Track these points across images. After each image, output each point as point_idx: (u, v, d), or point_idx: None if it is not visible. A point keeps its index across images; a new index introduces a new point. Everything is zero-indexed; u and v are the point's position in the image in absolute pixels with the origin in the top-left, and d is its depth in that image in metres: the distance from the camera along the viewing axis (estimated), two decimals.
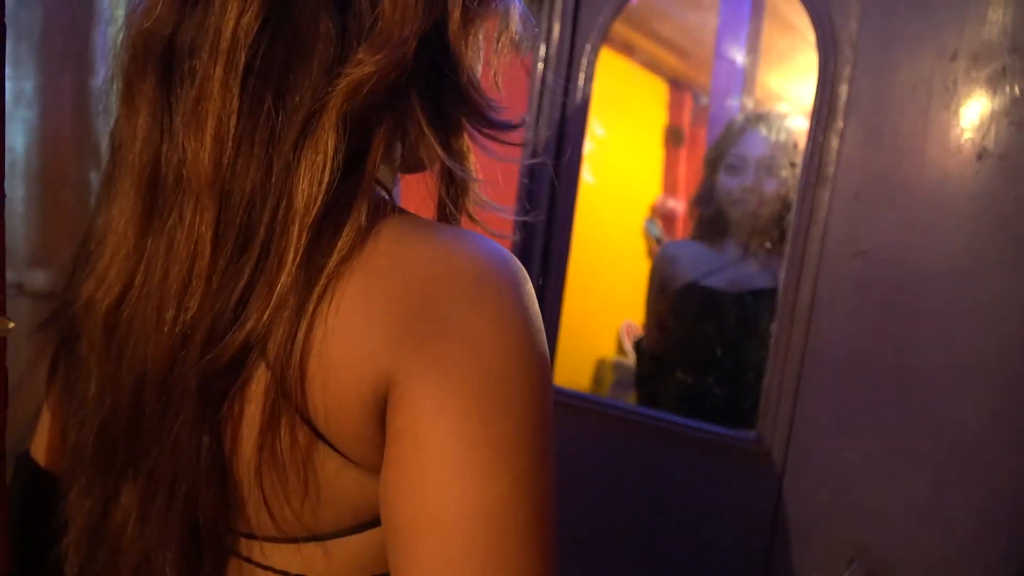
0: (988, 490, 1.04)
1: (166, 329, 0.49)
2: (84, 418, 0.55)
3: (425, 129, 0.53)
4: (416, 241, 0.49)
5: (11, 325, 0.58)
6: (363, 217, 0.49)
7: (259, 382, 0.48)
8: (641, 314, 1.85)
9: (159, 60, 0.50)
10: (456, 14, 0.53)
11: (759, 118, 1.67)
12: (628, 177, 2.59)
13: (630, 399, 1.95)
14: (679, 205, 2.66)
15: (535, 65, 1.41)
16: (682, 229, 2.64)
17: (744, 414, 1.30)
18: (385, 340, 0.46)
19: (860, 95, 1.13)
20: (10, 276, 0.80)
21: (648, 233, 2.57)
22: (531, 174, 1.43)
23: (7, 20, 0.56)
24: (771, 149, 1.63)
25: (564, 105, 1.41)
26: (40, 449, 0.68)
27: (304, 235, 0.47)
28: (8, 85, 0.99)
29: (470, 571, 0.44)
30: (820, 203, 1.16)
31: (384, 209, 0.51)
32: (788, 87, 1.96)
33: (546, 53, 1.40)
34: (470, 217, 0.60)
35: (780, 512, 1.22)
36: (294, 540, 0.52)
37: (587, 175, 2.46)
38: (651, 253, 2.52)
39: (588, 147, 2.44)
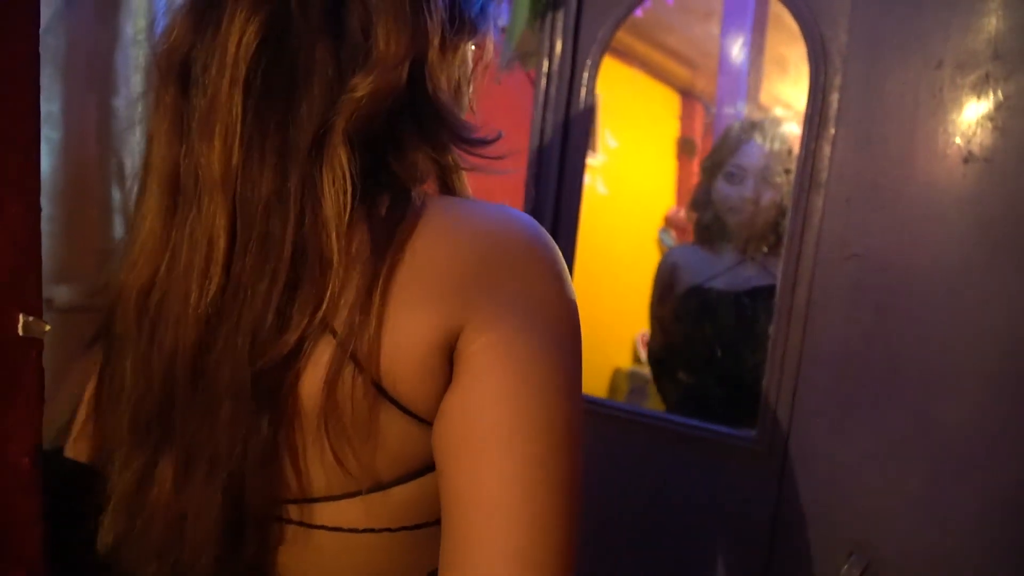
0: (981, 484, 1.07)
1: (190, 312, 0.55)
2: (121, 396, 0.61)
3: (417, 144, 0.60)
4: (470, 213, 0.58)
5: (47, 328, 0.63)
6: (414, 195, 0.56)
7: (323, 355, 0.54)
8: None
9: (178, 75, 0.58)
10: (435, 42, 0.59)
11: (754, 126, 1.71)
12: (642, 188, 2.63)
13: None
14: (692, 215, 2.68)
15: (538, 79, 1.46)
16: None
17: (744, 414, 1.33)
18: (459, 292, 0.53)
19: (850, 103, 1.17)
20: None
21: (662, 243, 2.59)
22: (537, 184, 1.48)
23: None
24: (768, 159, 1.66)
25: (567, 116, 1.46)
26: (80, 446, 0.73)
27: (341, 238, 0.54)
28: None
29: (540, 479, 0.51)
30: (814, 208, 1.20)
31: (422, 196, 0.58)
32: (791, 95, 1.99)
33: (548, 68, 1.45)
34: None
35: (780, 508, 1.25)
36: (357, 494, 0.58)
37: (601, 186, 2.50)
38: None
39: (601, 159, 2.49)
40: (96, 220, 1.59)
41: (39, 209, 0.63)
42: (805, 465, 1.22)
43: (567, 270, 0.59)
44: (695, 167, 2.73)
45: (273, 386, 0.54)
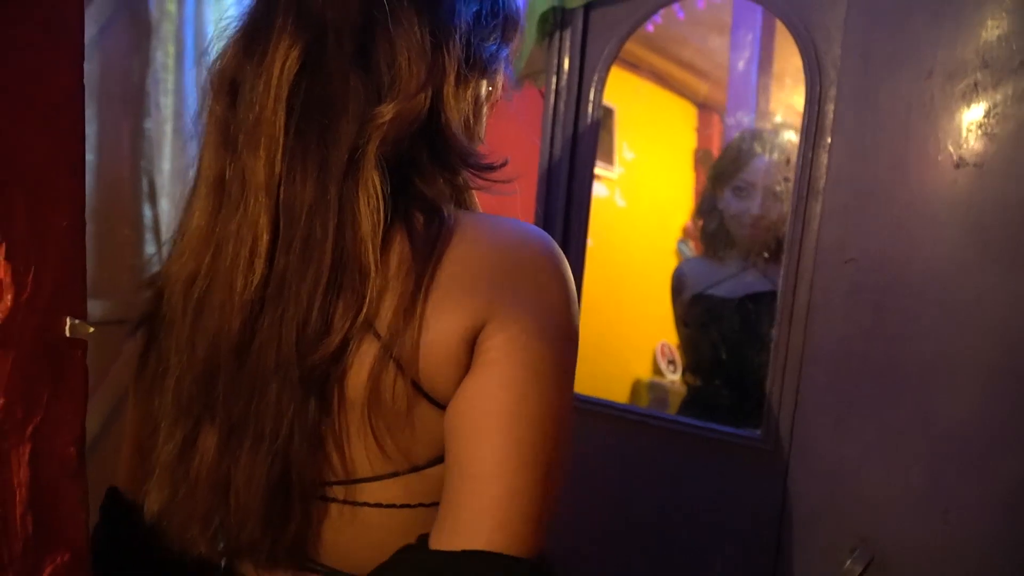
0: (979, 476, 1.10)
1: (236, 300, 0.62)
2: (164, 375, 0.68)
3: (433, 167, 0.68)
4: (495, 227, 0.66)
5: (91, 330, 0.70)
6: (446, 212, 0.65)
7: (367, 354, 0.61)
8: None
9: (228, 93, 0.66)
10: (451, 78, 0.67)
11: (754, 136, 1.75)
12: (660, 199, 2.66)
13: None
14: None
15: (547, 95, 1.52)
16: None
17: (749, 414, 1.37)
18: (485, 293, 0.61)
19: (845, 113, 1.22)
20: None
21: (681, 254, 2.62)
22: (547, 194, 1.54)
23: None
24: (775, 172, 1.71)
25: (575, 130, 1.52)
26: (126, 456, 0.80)
27: (377, 250, 0.61)
28: None
29: (533, 457, 0.59)
30: (812, 214, 1.25)
31: (451, 212, 0.66)
32: (796, 105, 2.03)
33: (556, 84, 1.51)
34: None
35: (786, 505, 1.29)
36: (396, 474, 0.66)
37: (619, 199, 2.55)
38: None
39: (619, 171, 2.53)
40: (128, 237, 1.65)
41: (83, 224, 0.70)
42: (809, 462, 1.26)
43: (572, 279, 0.67)
44: None
45: (321, 376, 0.62)
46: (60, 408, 0.72)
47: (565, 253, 1.56)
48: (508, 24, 0.74)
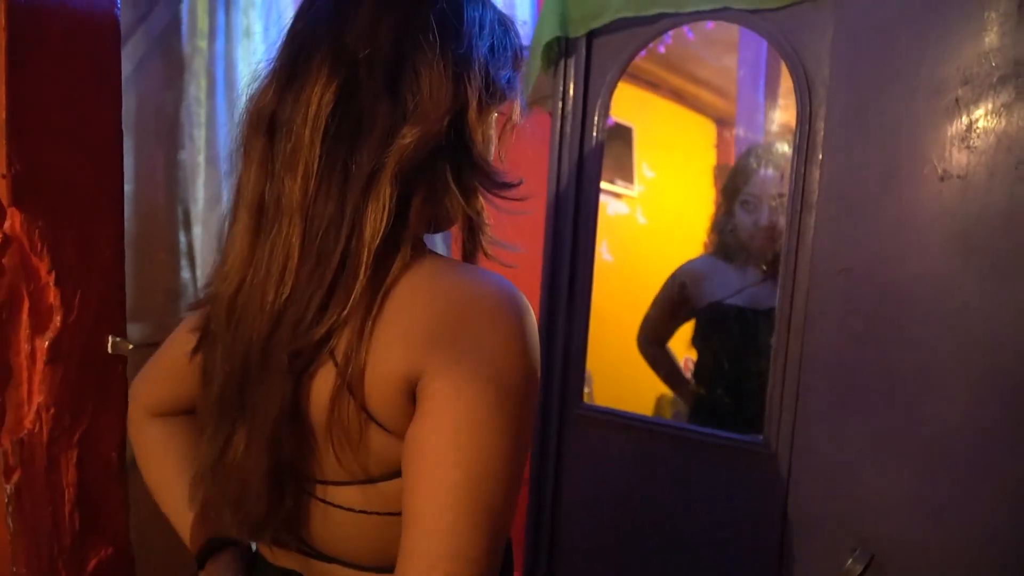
0: (970, 477, 1.14)
1: (267, 309, 0.69)
2: (212, 382, 0.76)
3: (452, 187, 0.74)
4: (449, 273, 0.70)
5: (131, 347, 0.78)
6: (408, 251, 0.70)
7: (327, 376, 0.68)
8: None
9: (267, 127, 0.73)
10: (473, 103, 0.74)
11: (759, 151, 1.81)
12: (681, 216, 2.70)
13: None
14: None
15: (554, 119, 1.60)
16: None
17: (751, 420, 1.42)
18: (423, 343, 0.65)
19: (836, 130, 1.27)
20: None
21: None
22: (556, 212, 1.61)
23: None
24: (777, 185, 1.76)
25: (581, 151, 1.59)
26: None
27: (371, 256, 0.67)
28: None
29: (457, 497, 0.63)
30: (807, 227, 1.30)
31: (423, 250, 0.72)
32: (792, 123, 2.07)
33: (562, 109, 1.58)
34: (485, 254, 0.80)
35: (788, 508, 1.33)
36: (358, 482, 0.72)
37: (640, 216, 2.59)
38: None
39: (639, 189, 2.57)
40: (164, 262, 1.74)
41: (123, 252, 0.79)
42: (809, 465, 1.31)
43: (532, 328, 0.69)
44: None
45: (302, 365, 0.68)
46: (104, 417, 0.80)
47: (574, 266, 1.65)
48: (516, 55, 0.82)
